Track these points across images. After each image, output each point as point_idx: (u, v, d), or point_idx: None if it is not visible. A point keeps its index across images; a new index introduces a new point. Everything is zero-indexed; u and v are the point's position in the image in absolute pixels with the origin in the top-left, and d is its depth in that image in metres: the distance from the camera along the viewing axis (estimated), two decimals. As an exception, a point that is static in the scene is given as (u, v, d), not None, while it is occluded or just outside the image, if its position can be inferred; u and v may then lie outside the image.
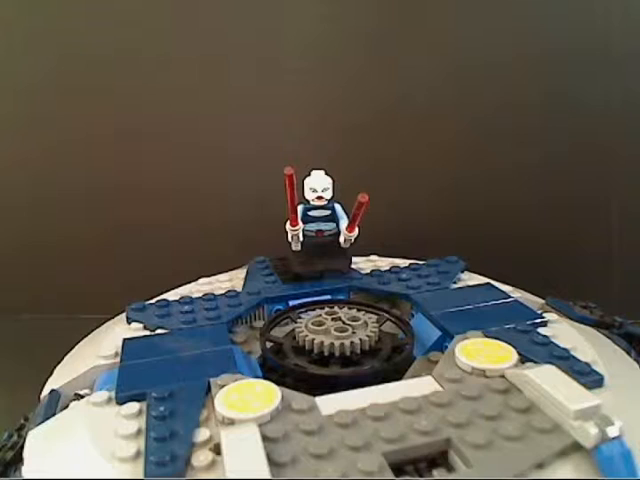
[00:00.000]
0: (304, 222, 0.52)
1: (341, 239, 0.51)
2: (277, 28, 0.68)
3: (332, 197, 0.52)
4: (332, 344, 0.41)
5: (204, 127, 0.70)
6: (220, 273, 0.58)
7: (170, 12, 0.67)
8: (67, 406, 0.38)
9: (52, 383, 0.42)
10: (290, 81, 0.68)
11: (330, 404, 0.34)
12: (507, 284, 0.53)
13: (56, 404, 0.39)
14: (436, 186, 0.73)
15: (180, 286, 0.55)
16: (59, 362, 0.44)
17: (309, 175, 0.51)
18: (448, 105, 0.70)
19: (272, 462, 0.28)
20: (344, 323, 0.44)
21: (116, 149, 0.71)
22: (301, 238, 0.51)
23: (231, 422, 0.32)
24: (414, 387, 0.35)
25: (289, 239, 0.51)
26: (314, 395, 0.35)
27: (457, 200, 0.73)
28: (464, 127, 0.70)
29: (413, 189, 0.73)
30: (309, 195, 0.52)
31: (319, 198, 0.52)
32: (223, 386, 0.35)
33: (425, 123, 0.70)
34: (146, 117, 0.70)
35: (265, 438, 0.30)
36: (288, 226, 0.50)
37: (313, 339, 0.42)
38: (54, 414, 0.37)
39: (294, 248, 0.52)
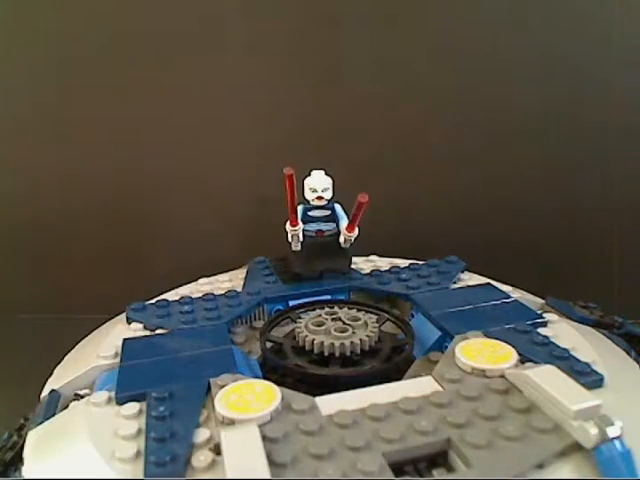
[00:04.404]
0: (304, 222, 0.51)
1: (341, 239, 0.51)
2: (277, 28, 0.68)
3: (332, 197, 0.52)
4: (332, 344, 0.41)
5: (204, 127, 0.70)
6: (220, 273, 0.58)
7: (171, 12, 0.67)
8: (67, 406, 0.38)
9: (52, 383, 0.42)
10: (291, 80, 0.68)
11: (330, 404, 0.34)
12: (507, 284, 0.53)
13: (56, 404, 0.39)
14: (436, 186, 0.73)
15: (180, 286, 0.55)
16: (59, 362, 0.44)
17: (309, 175, 0.51)
18: (449, 106, 0.70)
19: (272, 462, 0.28)
20: (344, 323, 0.44)
21: (116, 149, 0.71)
22: (301, 238, 0.51)
23: (231, 422, 0.32)
24: (414, 387, 0.35)
25: (289, 239, 0.51)
26: (314, 395, 0.35)
27: (457, 200, 0.73)
28: (464, 127, 0.70)
29: (413, 189, 0.73)
30: (309, 195, 0.52)
31: (319, 198, 0.51)
32: (223, 386, 0.35)
33: (426, 123, 0.70)
34: (146, 117, 0.70)
35: (265, 438, 0.30)
36: (288, 226, 0.50)
37: (313, 339, 0.42)
38: (54, 414, 0.37)
39: (294, 248, 0.52)
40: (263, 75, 0.69)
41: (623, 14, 0.66)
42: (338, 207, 0.52)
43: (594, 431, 0.29)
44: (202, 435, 0.32)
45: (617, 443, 0.29)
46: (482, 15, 0.67)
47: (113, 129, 0.70)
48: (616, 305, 0.51)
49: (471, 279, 0.54)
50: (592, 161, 0.70)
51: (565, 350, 0.39)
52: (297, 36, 0.68)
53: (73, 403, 0.38)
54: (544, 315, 0.45)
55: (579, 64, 0.67)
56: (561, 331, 0.43)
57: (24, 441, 0.35)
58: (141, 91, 0.69)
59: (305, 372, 0.40)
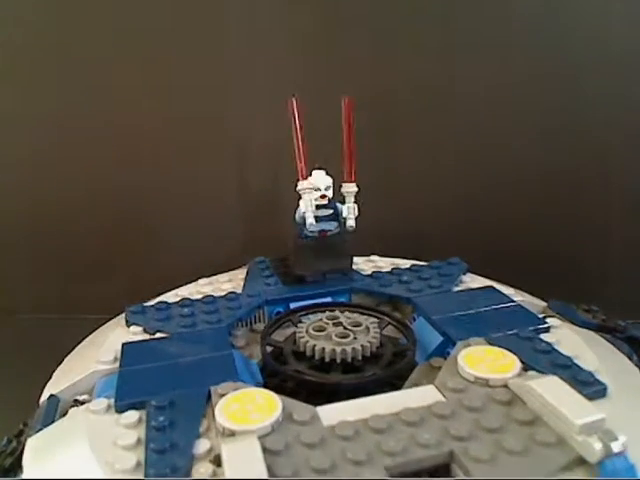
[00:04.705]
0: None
1: (344, 212, 0.50)
2: (279, 27, 0.67)
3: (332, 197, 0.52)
4: (333, 350, 0.41)
5: (206, 126, 0.69)
6: (220, 273, 0.57)
7: (170, 12, 0.66)
8: (66, 412, 0.38)
9: (51, 387, 0.41)
10: (291, 81, 0.67)
11: (331, 414, 0.33)
12: (509, 284, 0.53)
13: (55, 410, 0.39)
14: (438, 185, 0.72)
15: (180, 286, 0.55)
16: (59, 364, 0.44)
17: (310, 175, 0.51)
18: (451, 106, 0.69)
19: (273, 475, 0.28)
20: (345, 328, 0.43)
21: (115, 148, 0.70)
22: (313, 206, 0.49)
23: (232, 433, 0.31)
24: (416, 397, 0.35)
25: (302, 207, 0.49)
26: (315, 401, 0.35)
27: (459, 199, 0.72)
28: (467, 127, 0.70)
29: (415, 188, 0.72)
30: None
31: (323, 197, 0.51)
32: (223, 395, 0.34)
33: (428, 123, 0.70)
34: (146, 116, 0.68)
35: (266, 450, 0.30)
36: (299, 185, 0.48)
37: (314, 345, 0.41)
38: (53, 421, 0.37)
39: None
40: (264, 75, 0.67)
41: (623, 13, 0.65)
42: (340, 205, 0.51)
43: (598, 446, 0.28)
44: (202, 446, 0.31)
45: (622, 458, 0.28)
46: (482, 15, 0.66)
47: (113, 128, 0.69)
48: (618, 306, 0.51)
49: (473, 281, 0.54)
50: (593, 160, 0.70)
51: (568, 358, 0.38)
52: (296, 35, 0.67)
53: (72, 410, 0.38)
54: (547, 320, 0.45)
55: (580, 63, 0.67)
56: (564, 337, 0.42)
57: (23, 447, 0.35)
58: (141, 89, 0.68)
59: (305, 380, 0.40)
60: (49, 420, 0.37)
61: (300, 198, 0.49)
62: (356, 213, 0.50)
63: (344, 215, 0.50)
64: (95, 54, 0.66)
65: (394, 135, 0.69)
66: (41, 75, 0.67)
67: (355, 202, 0.50)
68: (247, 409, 0.33)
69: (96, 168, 0.70)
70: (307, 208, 0.49)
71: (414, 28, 0.67)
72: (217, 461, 0.30)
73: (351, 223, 0.51)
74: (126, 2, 0.65)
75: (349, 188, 0.50)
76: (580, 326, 0.46)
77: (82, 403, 0.39)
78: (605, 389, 0.35)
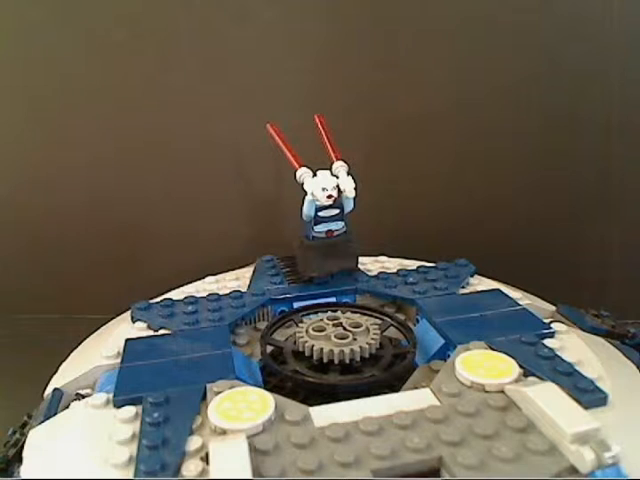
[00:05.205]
0: (315, 223, 0.51)
1: (345, 188, 0.50)
2: (278, 29, 0.67)
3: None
4: (331, 351, 0.41)
5: (210, 124, 0.68)
6: (228, 271, 0.58)
7: (170, 11, 0.66)
8: (69, 405, 0.39)
9: (56, 381, 0.42)
10: (291, 83, 0.67)
11: (324, 415, 0.33)
12: (518, 287, 0.52)
13: (58, 403, 0.39)
14: (447, 185, 0.71)
15: (187, 284, 0.55)
16: (60, 363, 0.45)
17: (315, 175, 0.51)
18: (454, 107, 0.68)
19: (259, 475, 0.28)
20: (345, 329, 0.43)
21: (117, 147, 0.70)
22: (319, 187, 0.49)
23: (223, 432, 0.32)
24: (411, 400, 0.35)
25: (309, 190, 0.49)
26: (313, 401, 0.35)
27: (467, 200, 0.71)
28: (473, 128, 0.69)
29: (424, 190, 0.71)
30: (319, 194, 0.50)
31: (329, 197, 0.51)
32: (219, 392, 0.35)
33: (433, 124, 0.69)
34: (148, 115, 0.68)
35: (255, 450, 0.30)
36: (298, 173, 0.48)
37: (313, 345, 0.41)
38: (56, 413, 0.38)
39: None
40: (263, 76, 0.67)
41: (623, 13, 0.63)
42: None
43: (590, 456, 0.28)
44: (194, 443, 0.32)
45: (614, 470, 0.28)
46: (480, 15, 0.65)
47: (114, 128, 0.69)
48: (631, 309, 0.50)
49: (480, 284, 0.53)
50: (593, 160, 0.68)
51: (570, 365, 0.37)
52: (292, 35, 0.67)
53: (74, 403, 0.39)
54: (552, 325, 0.44)
55: (579, 63, 0.65)
56: (569, 343, 0.42)
57: (26, 438, 0.35)
58: (140, 88, 0.68)
59: (302, 380, 0.40)
60: (51, 413, 0.38)
61: (304, 195, 0.49)
62: (353, 184, 0.50)
63: (342, 187, 0.50)
64: (95, 57, 0.67)
65: (397, 136, 0.68)
66: (40, 78, 0.68)
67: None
68: (240, 408, 0.33)
69: (97, 165, 0.70)
70: (314, 186, 0.49)
71: (414, 29, 0.66)
72: (207, 459, 0.30)
73: (350, 194, 0.50)
74: (128, 4, 0.65)
75: (339, 165, 0.51)
76: (588, 332, 0.45)
77: (84, 397, 0.39)
78: (606, 397, 0.34)
